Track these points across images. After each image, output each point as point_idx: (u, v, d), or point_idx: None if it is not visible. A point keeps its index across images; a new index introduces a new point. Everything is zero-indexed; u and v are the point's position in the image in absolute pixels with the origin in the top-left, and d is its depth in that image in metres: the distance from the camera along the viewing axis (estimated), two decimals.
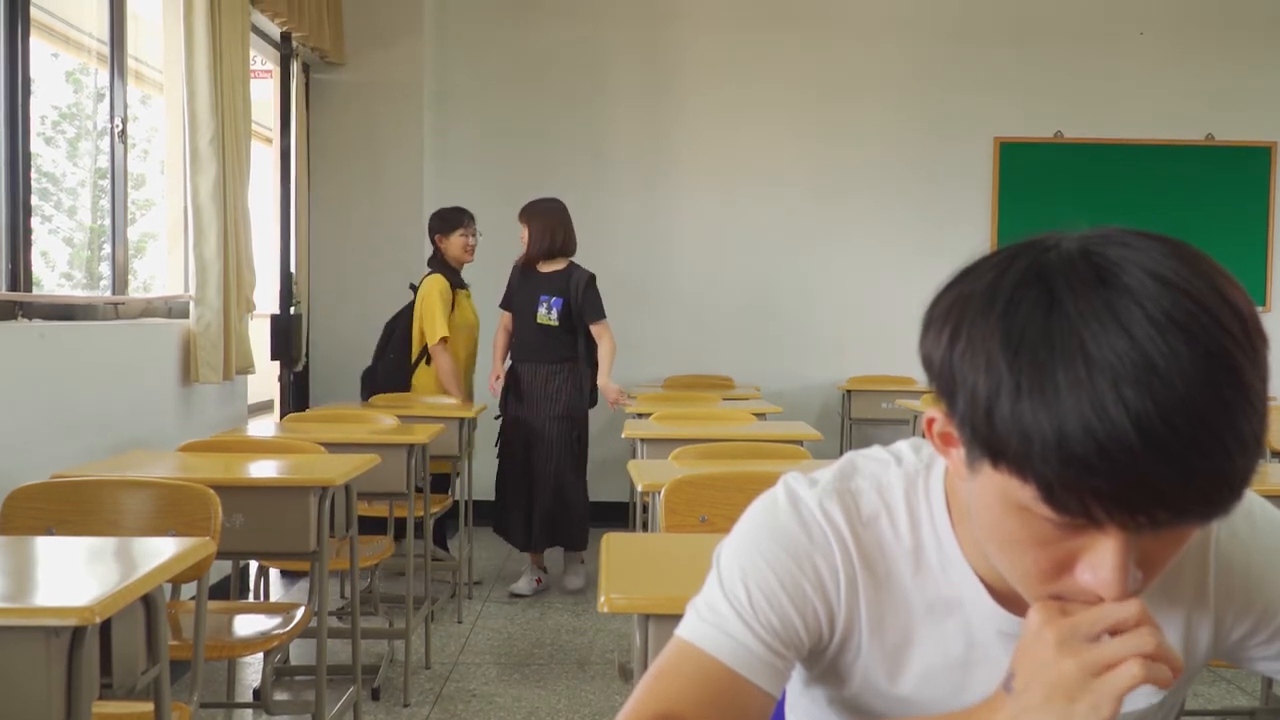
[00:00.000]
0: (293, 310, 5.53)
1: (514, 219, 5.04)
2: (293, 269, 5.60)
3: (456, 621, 4.48)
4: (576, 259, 5.00)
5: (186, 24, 4.05)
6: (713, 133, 6.48)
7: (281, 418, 5.46)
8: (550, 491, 4.87)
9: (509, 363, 5.08)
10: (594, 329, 4.89)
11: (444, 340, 4.85)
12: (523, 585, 4.94)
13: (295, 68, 5.48)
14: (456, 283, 5.02)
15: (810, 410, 6.37)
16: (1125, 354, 0.70)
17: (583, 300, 4.84)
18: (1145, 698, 0.78)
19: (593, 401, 5.06)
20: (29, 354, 3.19)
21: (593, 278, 4.89)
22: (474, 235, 5.09)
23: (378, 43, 5.97)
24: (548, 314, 4.84)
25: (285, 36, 5.33)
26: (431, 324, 4.86)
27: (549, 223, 4.87)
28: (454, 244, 5.03)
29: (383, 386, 4.98)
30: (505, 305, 5.08)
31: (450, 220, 5.05)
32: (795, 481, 1.03)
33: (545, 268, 4.91)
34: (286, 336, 5.30)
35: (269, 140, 5.97)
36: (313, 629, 2.89)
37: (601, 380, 4.92)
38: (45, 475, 2.65)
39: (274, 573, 4.78)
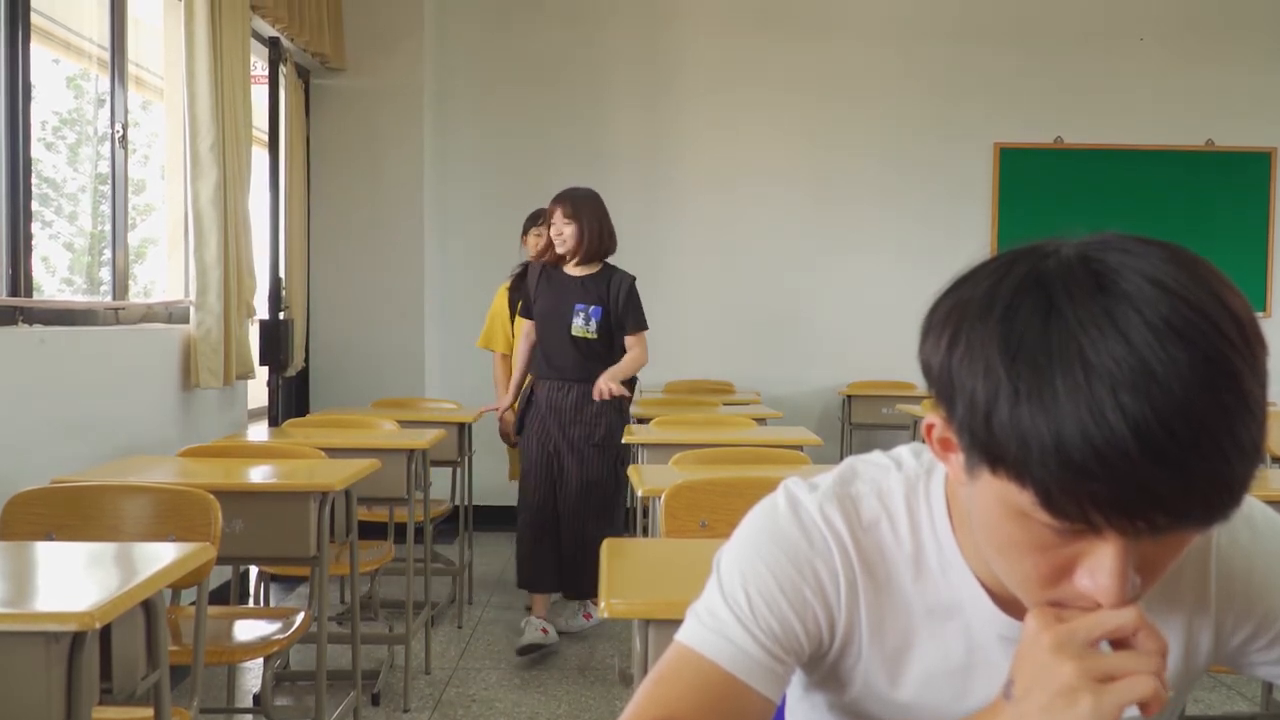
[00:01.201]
0: (282, 315, 5.53)
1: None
2: (282, 274, 5.61)
3: (457, 627, 4.48)
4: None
5: (187, 30, 4.05)
6: (713, 137, 6.49)
7: (273, 423, 5.46)
8: (582, 533, 4.13)
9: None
10: (630, 339, 4.23)
11: (498, 351, 4.86)
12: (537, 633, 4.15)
13: (284, 71, 5.48)
14: (523, 289, 4.67)
15: (810, 415, 6.37)
16: (1124, 360, 0.71)
17: (624, 308, 4.20)
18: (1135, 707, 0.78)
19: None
20: (29, 359, 3.19)
21: (634, 282, 4.26)
22: (546, 234, 4.52)
23: (378, 48, 5.98)
24: (585, 325, 4.16)
25: (274, 41, 5.33)
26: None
27: (597, 216, 4.21)
28: (529, 245, 4.79)
29: None
30: (527, 313, 4.40)
31: (530, 220, 4.87)
32: (795, 486, 1.03)
33: (577, 270, 4.24)
34: (276, 342, 5.30)
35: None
36: (313, 634, 2.89)
37: (608, 373, 4.13)
38: (45, 480, 2.65)
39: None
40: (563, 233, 4.18)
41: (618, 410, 4.22)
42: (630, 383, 4.34)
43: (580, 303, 4.18)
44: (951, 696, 0.99)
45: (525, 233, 4.85)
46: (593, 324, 4.16)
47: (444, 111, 6.34)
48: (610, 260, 4.30)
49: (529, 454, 4.29)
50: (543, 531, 4.22)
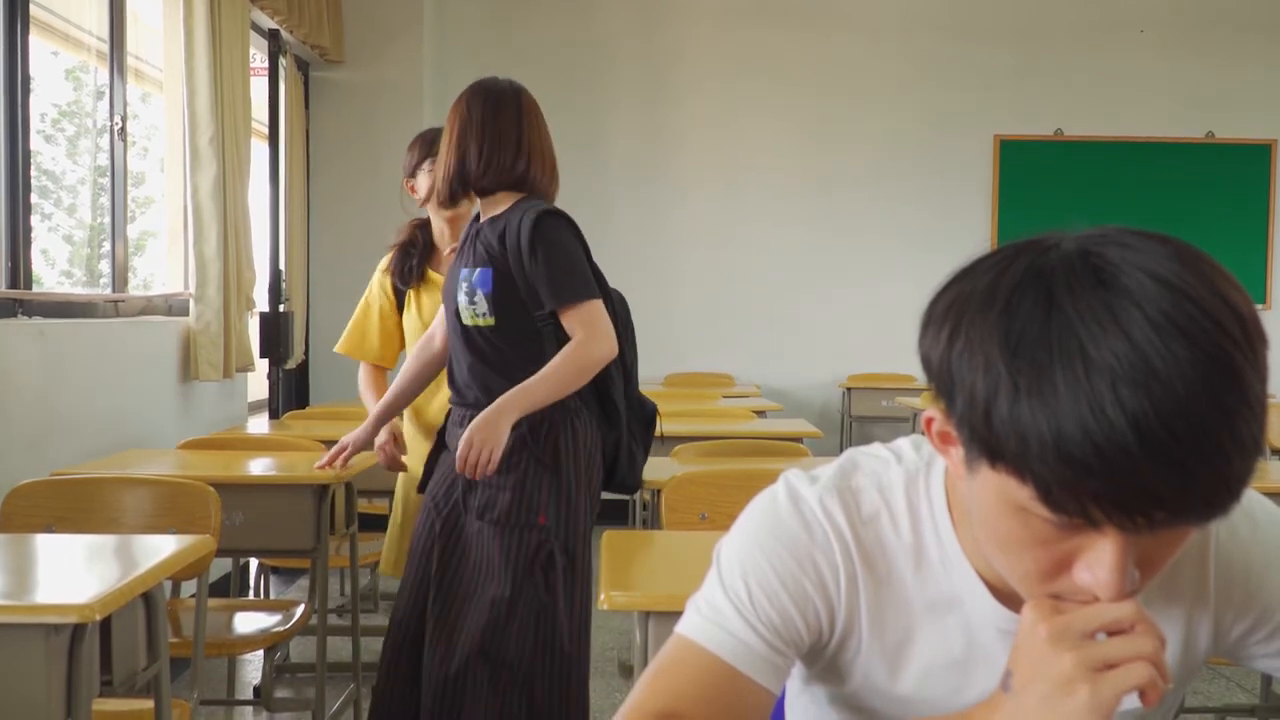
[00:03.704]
0: (281, 308, 5.53)
1: None
2: (282, 266, 5.61)
3: None
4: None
5: (186, 22, 4.05)
6: (712, 129, 6.48)
7: (273, 416, 5.46)
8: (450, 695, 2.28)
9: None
10: (567, 318, 2.32)
11: (366, 360, 3.12)
12: None
13: (284, 64, 5.48)
14: (408, 269, 2.99)
15: (810, 408, 6.37)
16: (1124, 356, 0.70)
17: (530, 261, 2.31)
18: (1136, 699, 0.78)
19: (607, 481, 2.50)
20: (29, 352, 3.19)
21: (546, 215, 2.34)
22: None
23: (377, 40, 5.97)
24: (470, 304, 2.37)
25: (273, 34, 5.33)
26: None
27: (490, 114, 2.47)
28: (421, 190, 2.98)
29: None
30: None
31: (423, 149, 3.02)
32: (796, 479, 1.03)
33: (482, 217, 2.48)
34: (276, 334, 5.30)
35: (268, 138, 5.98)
36: (313, 626, 2.89)
37: (499, 407, 2.26)
38: (45, 473, 2.66)
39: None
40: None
41: (543, 462, 2.33)
42: (586, 413, 2.42)
43: (465, 266, 2.42)
44: (951, 689, 0.99)
45: (413, 173, 3.03)
46: (480, 300, 2.36)
47: (443, 104, 6.25)
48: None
49: (416, 528, 2.52)
50: (395, 674, 2.41)
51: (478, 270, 2.37)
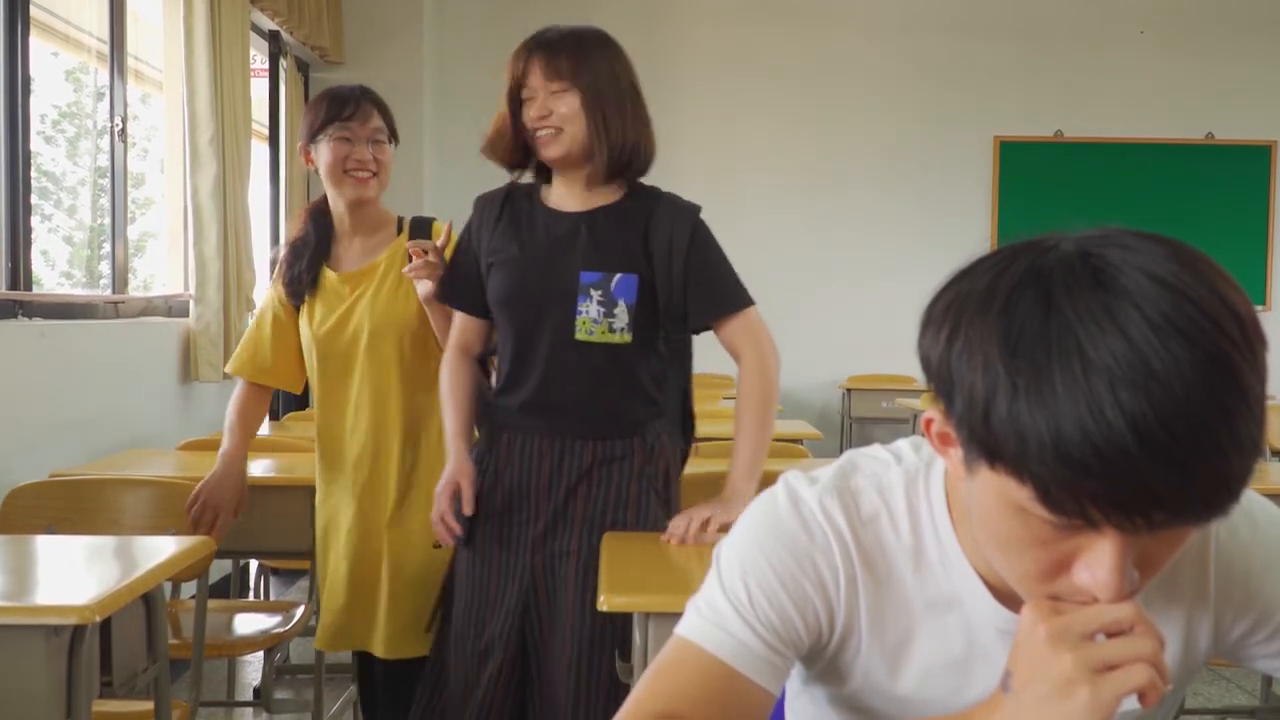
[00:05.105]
0: None
1: None
2: None
3: None
4: None
5: (186, 23, 4.05)
6: (712, 128, 6.49)
7: (273, 417, 5.46)
8: None
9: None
10: (730, 328, 2.01)
11: (252, 381, 2.63)
12: None
13: (284, 65, 5.49)
14: (296, 276, 2.43)
15: (810, 409, 6.37)
16: (1123, 357, 0.70)
17: (691, 271, 2.00)
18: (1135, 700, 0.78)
19: None
20: (29, 353, 3.19)
21: (698, 212, 2.11)
22: (367, 141, 2.36)
23: (377, 41, 5.98)
24: (606, 316, 1.97)
25: (274, 35, 5.34)
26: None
27: (627, 80, 2.21)
28: (324, 160, 2.35)
29: None
30: (461, 300, 2.15)
31: (330, 108, 2.36)
32: (795, 480, 1.03)
33: (573, 197, 2.08)
34: None
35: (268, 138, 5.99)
36: (313, 627, 2.89)
37: (742, 465, 1.97)
38: (45, 474, 2.66)
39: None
40: (553, 112, 2.09)
41: (659, 491, 2.04)
42: (690, 425, 2.17)
43: (590, 269, 1.98)
44: (951, 690, 0.99)
45: (313, 137, 2.37)
46: (621, 313, 1.97)
47: (443, 104, 6.33)
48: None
49: (474, 578, 2.05)
50: None
51: (618, 276, 1.96)
